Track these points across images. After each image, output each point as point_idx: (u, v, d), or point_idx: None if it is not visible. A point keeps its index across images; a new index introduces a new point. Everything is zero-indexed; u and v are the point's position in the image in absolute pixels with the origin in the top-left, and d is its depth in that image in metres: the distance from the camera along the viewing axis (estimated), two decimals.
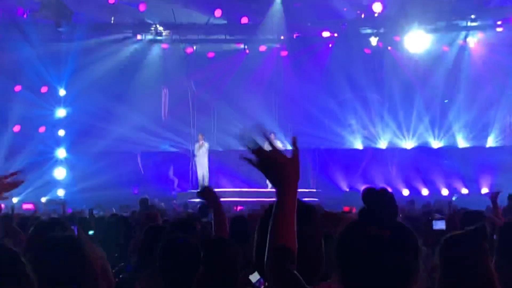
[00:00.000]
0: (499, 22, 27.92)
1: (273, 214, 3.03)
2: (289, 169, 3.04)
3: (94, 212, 16.23)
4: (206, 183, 25.34)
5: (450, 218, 8.64)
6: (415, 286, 2.89)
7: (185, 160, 29.00)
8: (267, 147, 3.04)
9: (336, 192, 26.97)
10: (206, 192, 6.37)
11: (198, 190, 6.57)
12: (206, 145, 27.33)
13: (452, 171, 27.88)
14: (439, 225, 8.48)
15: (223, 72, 29.61)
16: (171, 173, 29.67)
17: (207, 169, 27.13)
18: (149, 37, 29.78)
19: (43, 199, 26.31)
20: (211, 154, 27.59)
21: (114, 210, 18.25)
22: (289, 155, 3.05)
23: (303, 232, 3.13)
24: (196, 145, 27.48)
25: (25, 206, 22.31)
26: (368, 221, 2.91)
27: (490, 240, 4.65)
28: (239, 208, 20.59)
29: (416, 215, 12.58)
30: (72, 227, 6.30)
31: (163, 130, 29.44)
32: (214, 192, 6.34)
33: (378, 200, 2.93)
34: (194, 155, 27.73)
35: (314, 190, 26.13)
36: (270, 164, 3.04)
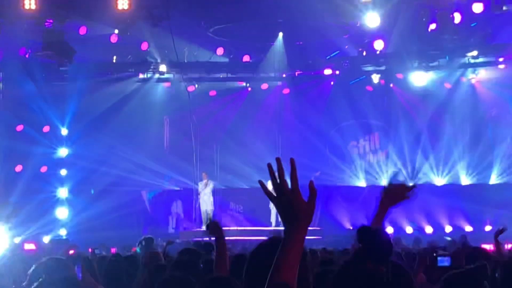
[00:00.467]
0: (501, 59, 27.93)
1: (278, 251, 3.04)
2: (304, 213, 3.06)
3: (97, 252, 16.14)
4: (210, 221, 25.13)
5: (455, 255, 8.60)
6: None
7: (190, 198, 28.93)
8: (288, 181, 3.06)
9: (340, 230, 26.81)
10: (214, 227, 6.39)
11: (206, 224, 6.59)
12: (211, 184, 27.15)
13: (456, 208, 27.79)
14: (444, 261, 8.43)
15: (225, 110, 29.71)
16: (178, 209, 29.61)
17: (212, 209, 26.96)
18: (151, 75, 29.87)
19: (46, 239, 26.21)
20: (213, 192, 27.56)
21: (116, 250, 18.13)
22: (306, 198, 3.07)
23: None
24: (200, 184, 27.39)
25: (27, 246, 22.20)
26: (364, 258, 2.93)
27: (492, 277, 4.64)
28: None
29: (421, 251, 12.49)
30: (76, 266, 6.28)
31: (166, 168, 29.47)
32: (221, 228, 6.36)
33: (373, 238, 2.95)
34: (198, 193, 27.66)
35: (318, 228, 26.01)
36: (288, 202, 3.05)
